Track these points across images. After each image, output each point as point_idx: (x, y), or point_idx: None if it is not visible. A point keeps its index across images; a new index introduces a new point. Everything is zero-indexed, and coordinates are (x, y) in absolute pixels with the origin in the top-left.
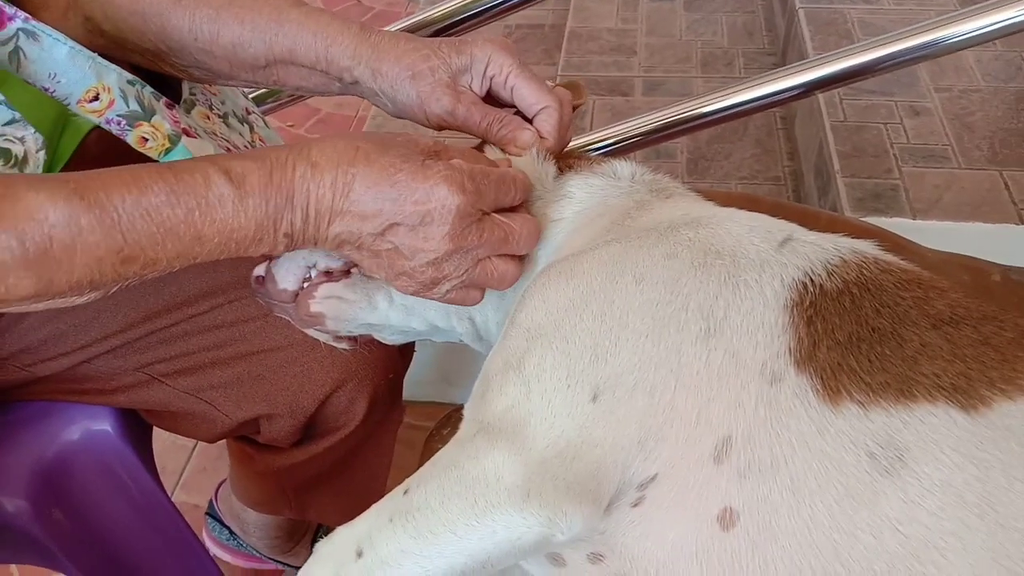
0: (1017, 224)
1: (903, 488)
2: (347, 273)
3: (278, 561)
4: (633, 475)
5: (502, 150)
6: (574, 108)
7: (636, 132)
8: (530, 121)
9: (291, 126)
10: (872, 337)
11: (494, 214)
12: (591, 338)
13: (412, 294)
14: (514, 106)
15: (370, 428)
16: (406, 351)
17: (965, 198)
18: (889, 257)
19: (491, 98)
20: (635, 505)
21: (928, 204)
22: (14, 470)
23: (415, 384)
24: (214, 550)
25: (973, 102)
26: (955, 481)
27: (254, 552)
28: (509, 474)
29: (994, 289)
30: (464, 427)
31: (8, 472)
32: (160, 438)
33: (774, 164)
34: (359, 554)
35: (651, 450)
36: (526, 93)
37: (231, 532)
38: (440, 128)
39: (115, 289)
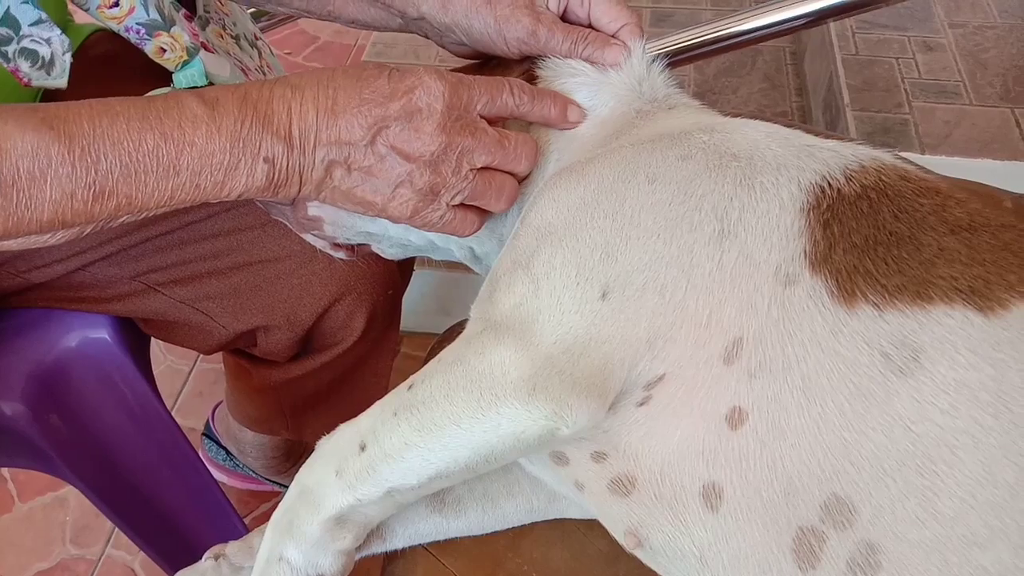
0: None
1: (916, 388)
2: None
3: (274, 482)
4: (640, 374)
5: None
6: None
7: None
8: None
9: (288, 53)
10: (889, 241)
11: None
12: (602, 236)
13: (410, 217)
14: (591, 26)
15: (368, 346)
16: (406, 269)
17: (975, 134)
18: (908, 166)
19: (567, 19)
20: (641, 404)
21: (938, 140)
22: (12, 375)
23: (411, 315)
24: (211, 471)
25: (988, 39)
26: (970, 381)
27: (250, 473)
28: (515, 368)
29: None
30: (470, 326)
31: (6, 377)
32: (156, 362)
33: (782, 99)
34: (362, 448)
35: (659, 350)
36: (604, 10)
37: (227, 453)
38: (521, 55)
39: (90, 230)
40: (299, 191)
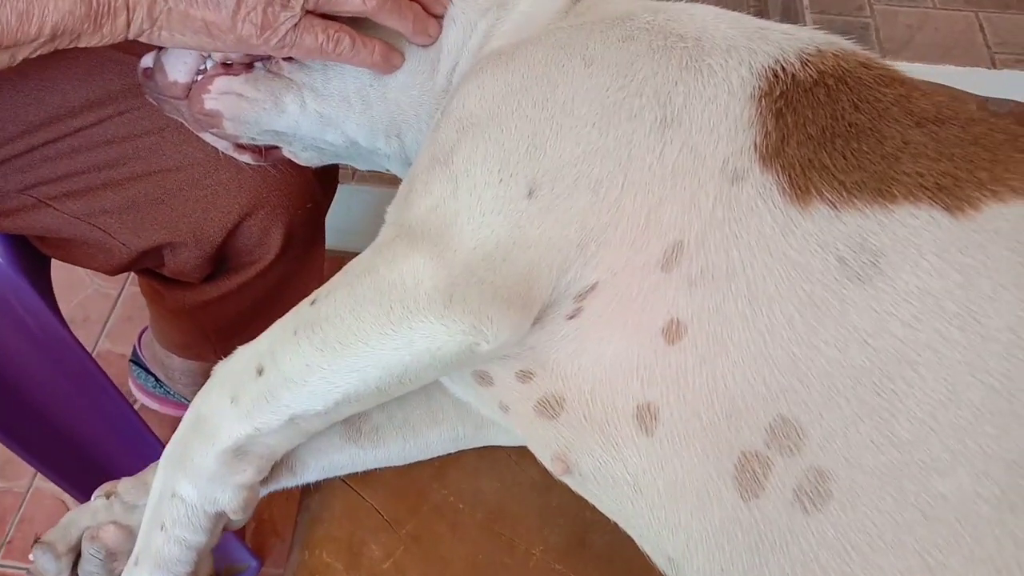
0: (989, 68)
1: (875, 296)
2: (249, 67)
3: None
4: (570, 283)
5: None
6: None
7: None
8: None
9: None
10: (848, 133)
11: None
12: (530, 127)
13: (261, 32)
14: None
15: (291, 265)
16: (327, 179)
17: (938, 39)
18: (869, 53)
19: None
20: (571, 317)
21: (899, 44)
22: None
23: (343, 233)
24: (141, 398)
25: None
26: (934, 288)
27: (182, 400)
28: (430, 278)
29: None
30: (383, 231)
31: None
32: (82, 287)
33: (739, 3)
34: (259, 372)
35: (592, 255)
36: None
37: (156, 379)
38: None
39: None
40: (128, 22)
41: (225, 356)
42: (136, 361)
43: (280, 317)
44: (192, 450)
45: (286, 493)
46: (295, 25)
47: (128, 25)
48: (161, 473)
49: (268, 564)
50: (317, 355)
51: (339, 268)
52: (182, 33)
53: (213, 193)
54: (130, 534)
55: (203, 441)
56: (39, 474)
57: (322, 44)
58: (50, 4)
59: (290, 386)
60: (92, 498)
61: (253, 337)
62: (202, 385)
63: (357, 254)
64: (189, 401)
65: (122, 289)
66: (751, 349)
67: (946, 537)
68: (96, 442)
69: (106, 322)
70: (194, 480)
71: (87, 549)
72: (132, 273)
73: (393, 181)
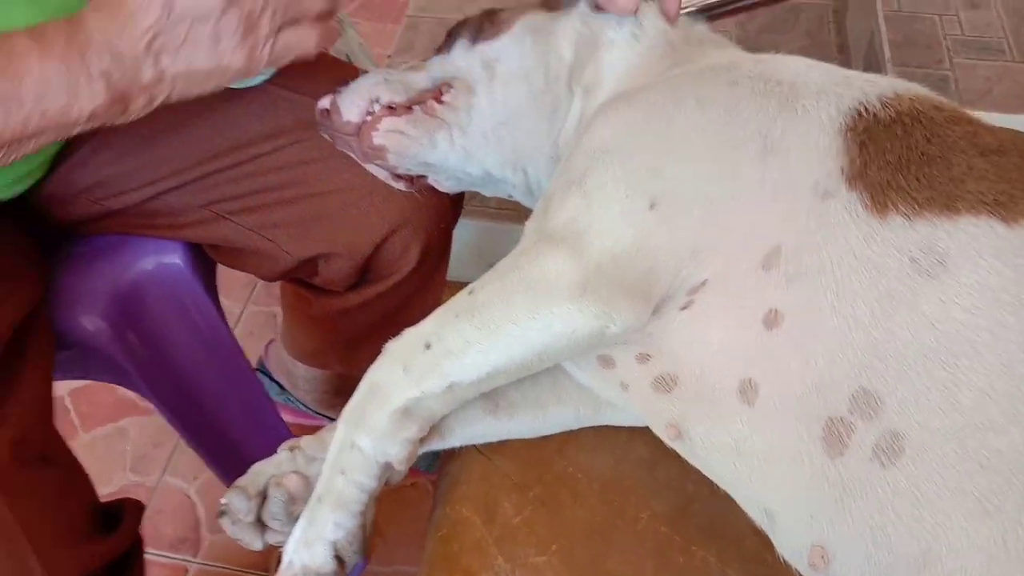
0: None
1: (942, 289)
2: (409, 109)
3: (325, 415)
4: (684, 280)
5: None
6: None
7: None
8: None
9: None
10: (921, 160)
11: None
12: (651, 155)
13: (248, 59)
14: None
15: (421, 279)
16: (457, 204)
17: (1016, 90)
18: (943, 99)
19: None
20: (684, 308)
21: (977, 95)
22: (94, 294)
23: (453, 264)
24: None
25: None
26: (991, 283)
27: (302, 407)
28: (568, 274)
29: None
30: (524, 238)
31: (89, 296)
32: None
33: (824, 56)
34: (427, 346)
35: (702, 258)
36: None
37: (280, 387)
38: None
39: None
40: (150, 97)
41: (348, 363)
42: (262, 370)
43: (406, 327)
44: (368, 410)
45: (390, 497)
46: (275, 44)
47: (148, 101)
48: (342, 429)
49: (373, 562)
50: (475, 333)
51: (451, 292)
52: (190, 89)
53: (367, 212)
54: (308, 483)
55: (378, 403)
56: (167, 471)
57: (301, 43)
58: (86, 101)
59: (452, 358)
60: (278, 451)
61: (378, 344)
62: (323, 393)
63: (461, 282)
64: (310, 408)
65: (243, 308)
66: (837, 334)
67: (1001, 485)
68: (240, 431)
69: None
70: (370, 434)
71: (273, 493)
72: (252, 294)
73: (495, 216)
